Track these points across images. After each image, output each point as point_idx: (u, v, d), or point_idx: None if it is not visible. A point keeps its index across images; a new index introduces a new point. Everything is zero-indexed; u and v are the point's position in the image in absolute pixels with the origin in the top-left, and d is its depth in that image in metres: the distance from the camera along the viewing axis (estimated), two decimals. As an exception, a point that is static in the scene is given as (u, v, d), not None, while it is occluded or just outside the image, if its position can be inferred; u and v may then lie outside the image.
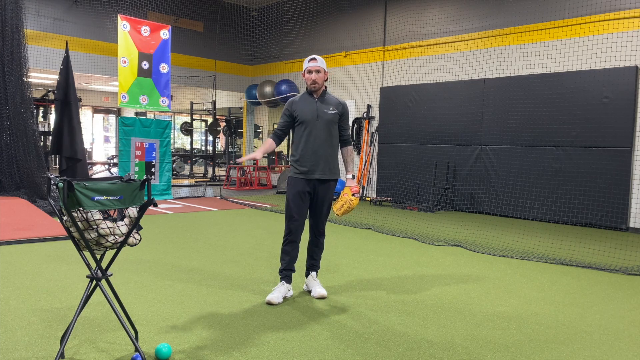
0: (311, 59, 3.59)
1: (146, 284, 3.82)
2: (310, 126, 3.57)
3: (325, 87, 3.69)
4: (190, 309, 3.27)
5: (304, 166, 3.56)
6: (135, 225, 2.46)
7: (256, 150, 3.55)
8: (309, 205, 3.63)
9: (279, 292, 3.53)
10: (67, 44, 8.43)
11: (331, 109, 3.60)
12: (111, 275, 2.53)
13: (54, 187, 2.32)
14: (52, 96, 12.73)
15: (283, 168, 13.62)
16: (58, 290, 3.59)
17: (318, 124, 3.56)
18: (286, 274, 3.62)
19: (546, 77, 8.08)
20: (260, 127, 14.84)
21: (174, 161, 15.92)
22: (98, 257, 2.44)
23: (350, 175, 3.74)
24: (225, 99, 16.28)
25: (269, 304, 3.44)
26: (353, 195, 3.68)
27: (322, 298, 3.61)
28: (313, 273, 3.76)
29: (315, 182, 3.58)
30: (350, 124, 3.74)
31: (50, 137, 10.25)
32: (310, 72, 3.57)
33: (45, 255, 4.66)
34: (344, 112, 3.68)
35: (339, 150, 3.76)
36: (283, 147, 17.44)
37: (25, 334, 2.77)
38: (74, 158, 8.26)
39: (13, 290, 3.58)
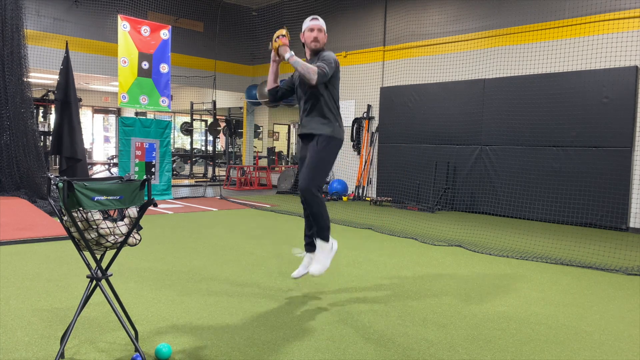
0: (313, 18, 3.56)
1: (146, 284, 3.82)
2: (299, 87, 3.62)
3: (323, 48, 3.60)
4: (190, 309, 3.27)
5: (300, 124, 3.68)
6: (135, 225, 2.46)
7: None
8: None
9: (301, 265, 3.71)
10: (67, 44, 8.43)
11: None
12: (111, 275, 2.53)
13: (54, 187, 2.32)
14: (52, 96, 12.74)
15: (283, 168, 13.62)
16: (58, 290, 3.59)
17: (302, 82, 3.57)
18: (305, 241, 3.73)
19: (546, 77, 8.07)
20: (260, 127, 14.84)
21: (174, 161, 15.91)
22: (98, 257, 2.44)
23: (292, 53, 3.45)
24: (225, 99, 16.28)
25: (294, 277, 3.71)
26: (280, 38, 3.47)
27: (314, 274, 3.47)
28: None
29: (304, 138, 3.62)
30: (333, 65, 3.44)
31: (50, 137, 10.25)
32: (312, 30, 3.53)
33: (45, 255, 4.66)
34: (320, 58, 3.48)
35: (325, 99, 3.53)
36: (283, 147, 17.46)
37: (25, 334, 2.77)
38: (74, 158, 8.26)
39: (13, 290, 3.58)
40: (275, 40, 3.51)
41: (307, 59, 3.67)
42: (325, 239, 3.50)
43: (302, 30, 3.61)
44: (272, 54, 3.57)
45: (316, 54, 3.59)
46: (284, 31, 3.54)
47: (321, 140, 3.50)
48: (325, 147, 3.50)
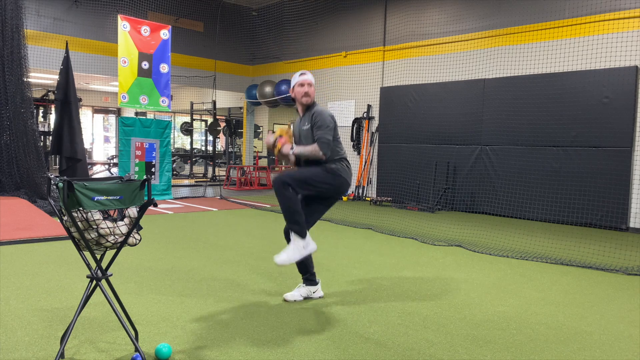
0: (302, 73, 3.53)
1: (146, 284, 3.82)
2: (299, 141, 3.60)
3: (314, 101, 3.58)
4: (190, 309, 3.27)
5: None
6: (135, 225, 2.46)
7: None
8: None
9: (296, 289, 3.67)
10: (67, 44, 8.44)
11: (306, 124, 3.51)
12: (111, 275, 2.53)
13: (54, 187, 2.32)
14: (52, 96, 12.74)
15: (283, 168, 13.62)
16: (58, 290, 3.59)
17: (300, 142, 3.58)
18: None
19: (546, 77, 8.07)
20: (260, 127, 14.84)
21: (174, 161, 15.91)
22: (98, 257, 2.44)
23: (293, 148, 3.52)
24: (225, 99, 16.29)
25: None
26: (279, 139, 3.54)
27: (277, 262, 3.40)
28: None
29: None
30: (331, 127, 3.43)
31: (50, 137, 10.25)
32: (302, 85, 3.49)
33: (45, 255, 4.66)
34: (314, 121, 3.44)
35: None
36: (283, 147, 17.44)
37: (25, 334, 2.77)
38: (74, 158, 8.27)
39: (13, 290, 3.58)
40: (274, 145, 3.55)
41: (299, 115, 3.62)
42: (300, 234, 3.34)
43: (291, 85, 3.57)
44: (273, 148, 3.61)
45: (307, 108, 3.55)
46: (284, 131, 3.58)
47: (321, 165, 3.47)
48: (321, 167, 3.45)
